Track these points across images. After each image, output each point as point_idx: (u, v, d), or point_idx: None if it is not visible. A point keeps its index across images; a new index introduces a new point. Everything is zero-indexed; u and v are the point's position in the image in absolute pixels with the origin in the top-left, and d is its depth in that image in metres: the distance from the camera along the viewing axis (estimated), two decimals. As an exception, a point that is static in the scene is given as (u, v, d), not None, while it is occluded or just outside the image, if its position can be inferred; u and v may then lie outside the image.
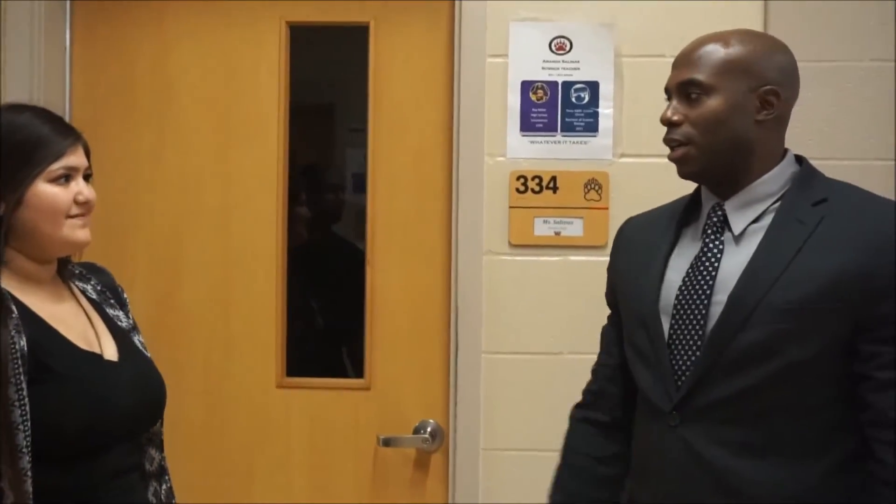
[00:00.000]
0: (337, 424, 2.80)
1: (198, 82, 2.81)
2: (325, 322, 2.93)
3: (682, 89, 1.84)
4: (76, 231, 1.83)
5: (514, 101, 2.62)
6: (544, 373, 2.62)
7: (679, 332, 1.84)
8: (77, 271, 1.98)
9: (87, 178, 1.87)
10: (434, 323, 2.74)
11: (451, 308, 2.68)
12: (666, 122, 1.85)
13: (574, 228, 2.62)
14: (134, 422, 1.88)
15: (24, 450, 1.67)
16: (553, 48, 2.62)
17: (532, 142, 2.63)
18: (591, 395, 2.08)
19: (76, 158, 1.83)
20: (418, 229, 2.76)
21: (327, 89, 2.92)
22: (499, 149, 2.63)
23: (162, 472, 2.02)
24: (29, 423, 1.68)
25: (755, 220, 1.84)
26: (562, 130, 2.62)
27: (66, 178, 1.81)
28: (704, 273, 1.84)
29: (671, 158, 1.87)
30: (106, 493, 1.81)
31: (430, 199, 2.74)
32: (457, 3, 2.66)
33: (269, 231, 2.80)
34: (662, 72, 1.91)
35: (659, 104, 1.87)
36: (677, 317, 1.84)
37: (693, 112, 1.83)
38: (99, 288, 2.00)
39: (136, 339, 1.99)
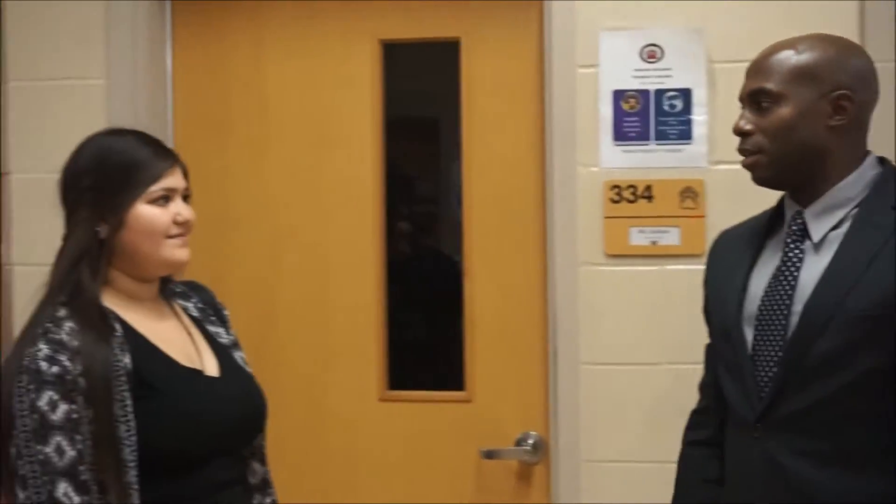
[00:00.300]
0: (438, 437, 2.83)
1: (293, 98, 2.88)
2: (425, 335, 2.96)
3: (753, 98, 1.86)
4: (175, 251, 1.90)
5: (606, 110, 2.62)
6: (642, 383, 2.61)
7: (761, 343, 1.84)
8: (179, 290, 2.06)
9: (186, 198, 1.93)
10: (532, 334, 2.75)
11: (548, 319, 2.69)
12: (738, 132, 1.87)
13: (671, 237, 2.60)
14: (234, 436, 1.94)
15: (131, 464, 1.74)
16: (644, 56, 2.61)
17: (625, 151, 2.62)
18: (697, 414, 2.10)
19: (174, 180, 1.89)
20: (514, 241, 2.77)
21: (421, 104, 2.95)
22: (592, 159, 2.63)
23: (265, 485, 2.09)
24: (135, 438, 1.74)
25: (835, 227, 1.83)
26: (655, 139, 2.60)
27: (165, 199, 1.88)
28: (784, 283, 1.83)
29: (743, 165, 1.88)
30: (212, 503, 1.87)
31: (525, 211, 2.76)
32: (546, 14, 2.66)
33: (367, 245, 2.84)
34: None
35: (755, 109, 1.87)
36: (760, 328, 1.84)
37: (763, 121, 1.84)
38: (200, 306, 2.07)
39: (236, 355, 2.05)
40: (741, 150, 1.88)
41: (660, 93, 2.61)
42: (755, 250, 1.93)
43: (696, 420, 2.08)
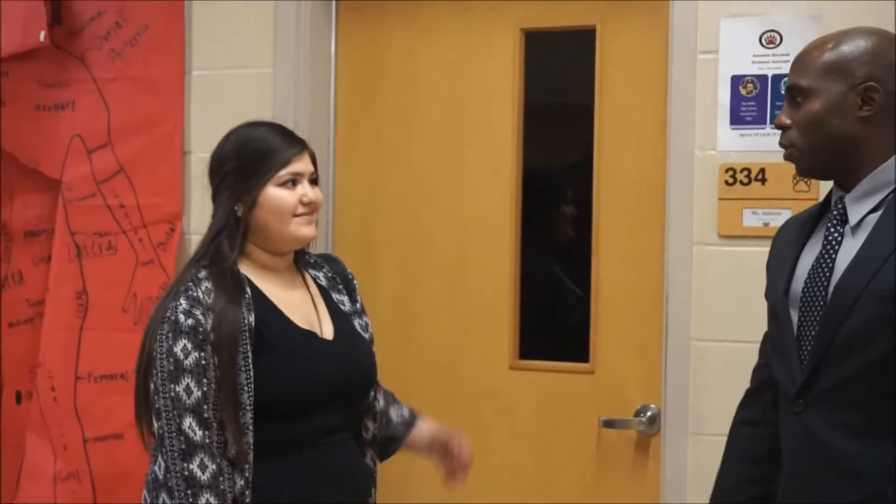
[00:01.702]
0: (562, 405, 3.04)
1: (439, 84, 3.17)
2: (555, 309, 3.18)
3: (790, 94, 1.99)
4: (302, 228, 2.18)
5: (724, 95, 2.75)
6: (750, 360, 2.72)
7: (805, 322, 1.96)
8: (312, 260, 2.36)
9: (314, 181, 2.22)
10: (651, 311, 2.92)
11: (663, 296, 2.85)
12: (778, 126, 2.01)
13: (783, 219, 2.68)
14: (338, 391, 2.21)
15: (248, 407, 2.05)
16: (763, 42, 2.73)
17: (742, 135, 2.74)
18: (748, 395, 2.23)
19: (302, 165, 2.18)
20: (637, 221, 2.95)
21: (559, 90, 3.17)
22: (709, 142, 2.77)
23: (375, 442, 2.37)
24: (252, 386, 2.06)
25: (872, 210, 1.92)
26: (771, 123, 2.71)
27: (292, 182, 2.16)
28: (824, 265, 1.94)
29: (784, 157, 2.03)
30: (313, 448, 2.15)
31: (648, 192, 2.93)
32: (671, 2, 2.82)
33: (503, 219, 3.09)
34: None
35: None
36: (803, 308, 1.97)
37: (797, 116, 1.97)
38: (330, 275, 2.36)
39: (356, 322, 2.33)
40: (780, 144, 2.02)
41: (777, 78, 2.71)
42: (805, 235, 2.05)
43: (747, 400, 2.21)
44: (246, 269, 2.18)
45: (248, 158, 2.17)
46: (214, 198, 2.21)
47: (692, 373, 2.79)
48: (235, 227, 2.16)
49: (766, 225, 2.72)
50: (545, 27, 3.08)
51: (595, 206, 3.01)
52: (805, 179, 2.68)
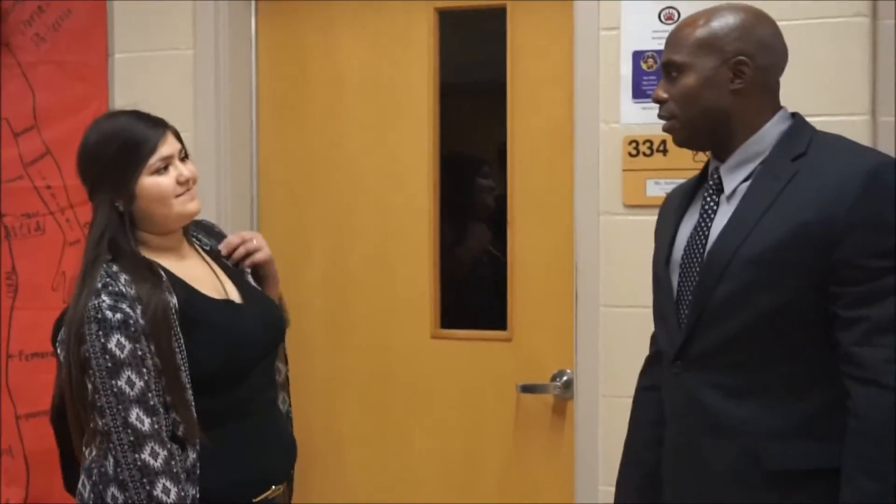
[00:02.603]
0: (483, 373, 3.20)
1: (360, 65, 3.30)
2: (472, 279, 3.34)
3: (666, 70, 2.12)
4: (187, 205, 2.27)
5: (627, 70, 2.91)
6: (655, 325, 2.90)
7: (682, 288, 2.10)
8: (193, 232, 2.45)
9: (184, 158, 2.30)
10: (563, 280, 3.07)
11: (573, 265, 3.01)
12: (655, 100, 2.14)
13: (684, 189, 2.86)
14: (264, 348, 2.36)
15: (187, 385, 2.16)
16: (662, 18, 2.88)
17: (644, 108, 2.90)
18: (647, 362, 2.37)
19: (168, 147, 2.25)
20: (549, 192, 3.11)
21: (471, 70, 3.31)
22: (613, 116, 2.92)
23: (287, 382, 2.52)
24: (187, 364, 2.16)
25: (745, 180, 2.07)
26: (671, 96, 2.86)
27: (165, 167, 2.23)
28: (700, 233, 2.09)
29: (663, 130, 2.16)
30: (250, 413, 2.28)
31: (558, 166, 3.08)
32: (575, -19, 2.98)
33: (423, 200, 3.24)
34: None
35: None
36: (682, 275, 2.10)
37: (673, 90, 2.10)
38: (207, 248, 2.45)
39: (248, 277, 2.46)
40: (659, 116, 2.16)
41: (676, 53, 2.86)
42: (685, 205, 2.20)
43: (647, 366, 2.35)
44: (147, 254, 2.26)
45: (115, 154, 2.22)
46: (91, 197, 2.27)
47: (602, 338, 2.95)
48: (120, 222, 2.22)
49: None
50: (458, 6, 3.22)
51: (510, 179, 3.16)
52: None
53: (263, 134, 3.40)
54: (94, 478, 2.15)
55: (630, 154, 2.91)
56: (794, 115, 2.11)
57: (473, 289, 3.35)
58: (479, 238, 3.33)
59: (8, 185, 3.43)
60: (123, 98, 3.33)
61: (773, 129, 2.08)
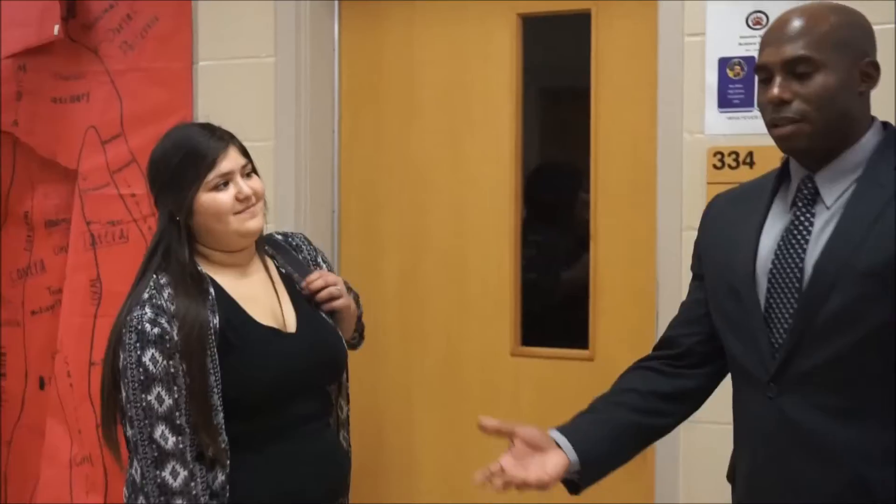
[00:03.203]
0: (563, 392, 3.12)
1: (439, 73, 3.27)
2: (555, 296, 3.25)
3: (789, 66, 1.92)
4: (245, 223, 2.25)
5: (712, 78, 2.79)
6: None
7: (775, 302, 1.96)
8: (269, 251, 2.43)
9: (249, 173, 2.28)
10: (646, 298, 2.97)
11: (655, 283, 2.90)
12: (777, 100, 1.92)
13: (772, 203, 2.73)
14: (306, 382, 2.31)
15: (218, 408, 2.15)
16: (749, 23, 2.75)
17: (730, 118, 2.78)
18: (657, 346, 2.25)
19: (229, 163, 2.24)
20: (632, 206, 3.01)
21: (556, 76, 3.23)
22: (697, 125, 2.81)
23: (348, 421, 2.48)
24: (220, 387, 2.16)
25: (845, 191, 1.94)
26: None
27: (224, 183, 2.22)
28: (796, 245, 1.94)
29: (780, 135, 1.94)
30: (288, 439, 2.26)
31: (641, 179, 2.98)
32: (660, -16, 2.87)
33: (504, 209, 3.18)
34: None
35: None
36: (772, 289, 1.96)
37: (804, 89, 1.90)
38: (283, 271, 2.42)
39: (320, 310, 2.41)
40: (778, 119, 1.93)
41: (765, 59, 2.73)
42: (763, 211, 2.05)
43: (654, 353, 2.25)
44: (207, 269, 2.26)
45: (177, 166, 2.23)
46: (156, 206, 2.30)
47: (683, 359, 2.84)
48: (177, 233, 2.23)
49: (755, 209, 2.75)
50: (542, 11, 3.15)
51: (593, 192, 3.07)
52: (792, 162, 2.70)
53: (345, 141, 3.39)
54: (128, 485, 2.20)
55: (715, 166, 2.80)
56: (885, 125, 1.98)
57: (556, 305, 3.26)
58: (562, 251, 3.24)
59: (95, 193, 3.49)
60: (206, 106, 3.37)
61: (872, 138, 1.95)
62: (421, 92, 3.29)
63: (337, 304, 2.42)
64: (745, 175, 2.76)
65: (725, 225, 2.12)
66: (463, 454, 3.24)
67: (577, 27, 3.08)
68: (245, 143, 3.23)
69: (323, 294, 2.41)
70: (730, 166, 2.78)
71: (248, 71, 3.32)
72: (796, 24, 1.93)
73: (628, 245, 3.02)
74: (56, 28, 3.46)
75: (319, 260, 2.54)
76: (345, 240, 3.38)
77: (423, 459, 3.30)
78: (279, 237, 2.53)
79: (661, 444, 2.85)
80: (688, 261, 2.80)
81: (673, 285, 2.84)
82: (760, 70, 1.99)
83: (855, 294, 1.85)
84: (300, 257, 2.51)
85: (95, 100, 3.51)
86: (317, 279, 2.42)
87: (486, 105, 3.20)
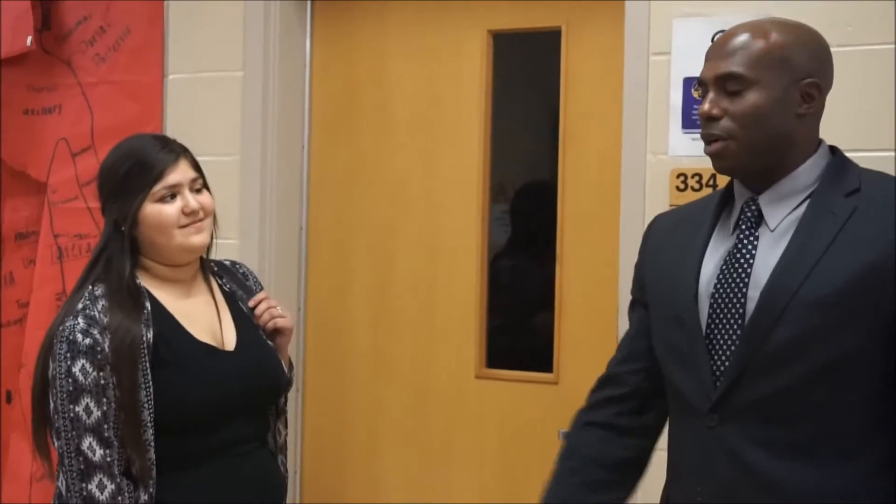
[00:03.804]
0: (527, 416, 3.08)
1: (411, 88, 3.25)
2: (520, 317, 3.22)
3: (721, 82, 1.89)
4: (190, 238, 2.23)
5: (677, 98, 2.76)
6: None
7: (716, 328, 1.90)
8: (215, 269, 2.41)
9: (199, 189, 2.25)
10: (610, 321, 2.93)
11: (617, 306, 2.87)
12: (706, 116, 1.90)
13: (734, 227, 2.70)
14: (242, 403, 2.27)
15: (148, 424, 2.12)
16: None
17: (693, 139, 2.74)
18: (599, 385, 2.20)
19: (178, 175, 2.22)
20: (597, 228, 2.98)
21: (526, 94, 3.21)
22: (661, 147, 2.78)
23: (286, 446, 2.45)
24: (152, 403, 2.13)
25: (789, 214, 1.90)
26: (724, 127, 2.70)
27: (172, 195, 2.21)
28: (739, 269, 1.89)
29: (708, 153, 1.92)
30: (219, 460, 2.22)
31: (606, 199, 2.95)
32: (626, 1, 2.84)
33: (472, 229, 3.15)
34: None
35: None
36: (713, 314, 1.90)
37: (733, 106, 1.87)
38: (227, 288, 2.40)
39: (260, 331, 2.37)
40: (707, 135, 1.91)
41: (730, 80, 2.70)
42: (706, 234, 2.01)
43: (601, 402, 2.16)
44: (147, 283, 2.24)
45: (122, 179, 2.22)
46: (102, 214, 2.28)
47: (644, 385, 2.80)
48: (120, 244, 2.22)
49: (718, 233, 2.71)
50: (513, 28, 3.13)
51: (559, 211, 3.05)
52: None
53: (315, 157, 3.37)
54: (55, 496, 2.17)
55: (678, 188, 2.76)
56: (833, 149, 1.94)
57: (521, 327, 3.23)
58: (528, 272, 3.21)
59: (64, 206, 3.49)
60: (176, 120, 3.37)
61: (819, 162, 1.91)
62: (393, 108, 3.28)
63: (281, 322, 2.39)
64: (708, 197, 2.73)
65: (668, 248, 2.06)
66: (428, 475, 3.22)
67: (548, 44, 3.06)
68: (212, 158, 3.25)
69: (265, 316, 2.38)
70: (692, 188, 2.74)
71: (216, 85, 3.32)
72: (735, 40, 1.90)
73: (592, 267, 2.99)
74: (29, 39, 3.47)
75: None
76: (312, 257, 3.36)
77: (387, 481, 3.27)
78: (227, 262, 2.51)
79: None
80: (649, 284, 2.79)
81: (635, 309, 2.81)
82: (699, 85, 1.96)
83: (805, 326, 1.80)
84: (247, 284, 2.48)
85: (67, 112, 3.52)
86: (263, 297, 2.41)
87: (457, 123, 3.19)
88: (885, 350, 1.77)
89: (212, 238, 2.32)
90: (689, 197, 2.74)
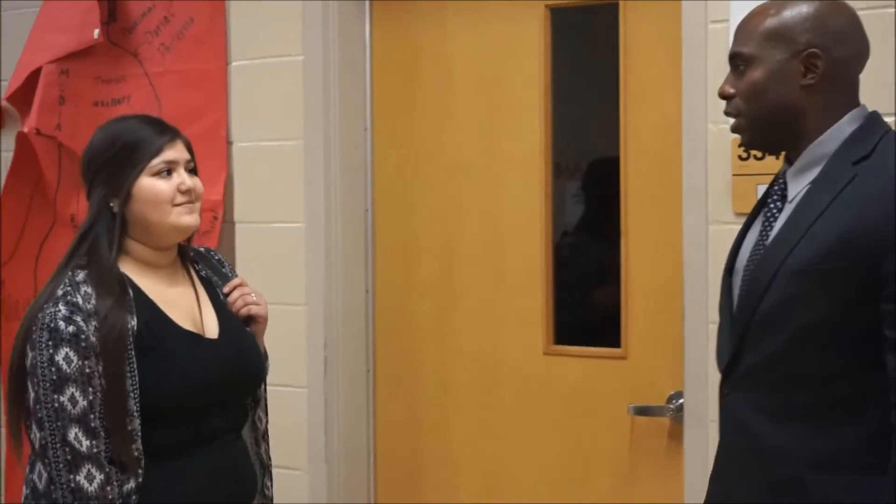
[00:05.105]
0: (595, 392, 3.11)
1: (470, 68, 3.28)
2: (586, 293, 3.25)
3: (732, 62, 2.03)
4: (182, 217, 2.23)
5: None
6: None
7: (741, 300, 1.98)
8: (192, 254, 2.42)
9: (191, 170, 2.28)
10: (675, 294, 2.94)
11: (682, 278, 2.88)
12: (721, 95, 2.04)
13: (798, 195, 2.69)
14: (225, 391, 2.29)
15: (135, 413, 2.12)
16: (774, 8, 2.71)
17: (755, 107, 2.73)
18: None
19: (175, 153, 2.24)
20: (661, 200, 2.98)
21: (583, 68, 3.22)
22: (722, 116, 2.75)
23: (267, 433, 2.46)
24: (138, 391, 2.12)
25: (807, 185, 1.93)
26: (785, 93, 2.69)
27: (167, 171, 2.22)
28: (760, 242, 1.97)
29: (730, 129, 2.07)
30: (205, 450, 2.24)
31: (668, 172, 2.95)
32: (683, -29, 2.84)
33: (535, 206, 3.18)
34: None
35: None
36: (742, 286, 1.98)
37: (740, 84, 2.00)
38: (203, 274, 2.42)
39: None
40: (725, 113, 2.06)
41: (791, 45, 2.69)
42: (755, 211, 2.09)
43: None
44: (126, 268, 2.23)
45: (119, 151, 2.21)
46: (88, 195, 2.25)
47: (711, 358, 2.79)
48: (111, 223, 2.20)
49: (782, 201, 2.71)
50: (570, 2, 3.15)
51: (622, 186, 3.06)
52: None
53: (378, 140, 3.42)
54: (28, 490, 2.16)
55: (740, 157, 2.76)
56: (871, 115, 1.95)
57: (587, 303, 3.26)
58: (593, 248, 3.23)
59: (135, 195, 3.59)
60: (240, 107, 3.44)
61: (841, 130, 1.95)
62: (453, 87, 3.31)
63: (255, 308, 2.40)
64: (771, 166, 2.70)
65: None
66: (499, 452, 3.26)
67: (605, 17, 3.07)
68: (276, 143, 3.34)
69: (239, 302, 2.39)
70: (755, 157, 2.74)
71: (278, 70, 3.38)
72: (744, 21, 2.03)
73: (659, 240, 3.00)
74: (96, 32, 3.58)
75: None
76: (379, 239, 3.41)
77: (460, 459, 3.32)
78: (202, 249, 2.53)
79: (689, 443, 2.85)
80: (714, 255, 2.80)
81: (699, 281, 2.81)
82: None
83: (785, 293, 1.87)
84: (223, 271, 2.50)
85: (135, 102, 3.61)
86: (238, 283, 2.42)
87: (518, 100, 3.21)
88: (867, 321, 1.81)
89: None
90: (752, 166, 2.75)
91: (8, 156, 3.72)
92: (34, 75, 3.64)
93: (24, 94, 3.67)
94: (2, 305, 3.81)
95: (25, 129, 3.60)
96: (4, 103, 3.78)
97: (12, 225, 3.77)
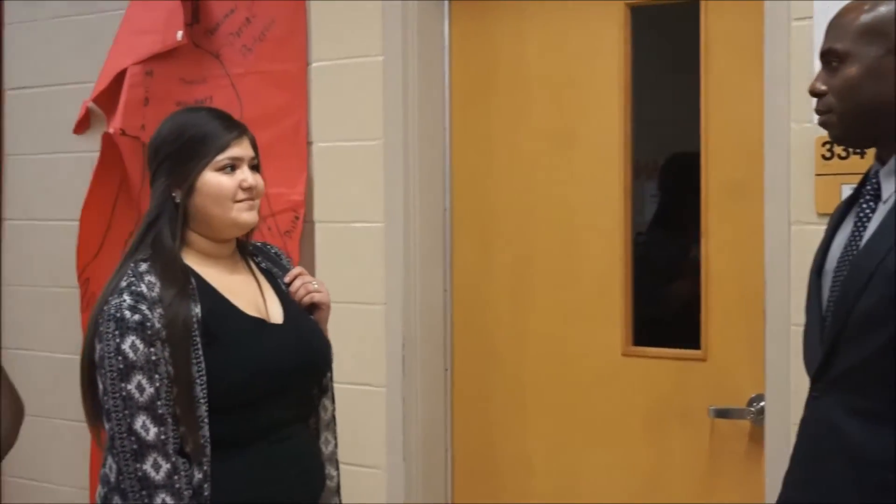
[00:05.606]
0: (674, 394, 3.09)
1: (549, 71, 3.28)
2: (666, 294, 3.23)
3: (825, 59, 2.00)
4: (242, 213, 2.26)
5: (819, 64, 2.71)
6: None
7: (832, 302, 1.96)
8: (251, 248, 2.46)
9: (255, 168, 2.31)
10: (756, 295, 2.91)
11: (764, 280, 2.85)
12: (812, 92, 2.02)
13: (884, 195, 2.65)
14: (294, 378, 2.31)
15: (202, 400, 2.14)
16: (859, 5, 2.67)
17: (839, 105, 2.70)
18: None
19: (240, 150, 2.27)
20: (741, 202, 2.96)
21: (664, 66, 3.20)
22: (805, 115, 2.74)
23: (333, 421, 2.47)
24: (204, 378, 2.14)
25: None
26: (870, 91, 2.65)
27: (231, 167, 2.25)
28: (853, 243, 1.94)
29: (819, 125, 2.05)
30: (270, 438, 2.26)
31: (750, 171, 2.93)
32: (766, -32, 2.82)
33: (614, 206, 3.17)
34: None
35: None
36: (832, 287, 1.96)
37: (833, 81, 1.97)
38: (263, 266, 2.45)
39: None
40: (816, 111, 2.03)
41: (876, 43, 2.65)
42: (844, 211, 2.06)
43: None
44: (188, 259, 2.27)
45: (185, 143, 2.25)
46: (152, 184, 2.29)
47: (794, 360, 2.77)
48: (174, 213, 2.24)
49: (866, 201, 2.67)
50: (650, 1, 3.13)
51: (703, 185, 3.04)
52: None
53: (456, 140, 3.44)
54: (101, 483, 2.19)
55: (824, 157, 2.73)
56: None
57: (667, 303, 3.24)
58: (673, 248, 3.22)
59: (217, 195, 3.65)
60: (320, 108, 3.48)
61: None
62: (531, 89, 3.32)
63: (318, 296, 2.43)
64: (856, 165, 2.68)
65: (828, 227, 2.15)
66: (576, 453, 3.26)
67: (686, 15, 3.06)
68: (356, 143, 3.37)
69: (301, 291, 2.41)
70: (839, 156, 2.71)
71: (358, 70, 3.41)
72: (838, 16, 2.01)
73: (737, 241, 2.98)
74: (179, 34, 3.64)
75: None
76: (457, 239, 3.43)
77: (536, 459, 3.33)
78: (259, 244, 2.55)
79: (770, 446, 2.83)
80: (797, 256, 2.78)
81: (781, 282, 2.79)
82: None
83: (884, 294, 1.84)
84: (281, 262, 2.53)
85: (217, 103, 3.66)
86: (299, 272, 2.45)
87: (596, 100, 3.20)
88: None
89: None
90: (836, 166, 2.72)
91: (94, 156, 3.79)
92: (120, 77, 3.72)
93: (109, 96, 3.75)
94: (89, 302, 3.89)
95: (111, 130, 3.68)
96: (91, 105, 3.87)
97: (98, 224, 3.85)
